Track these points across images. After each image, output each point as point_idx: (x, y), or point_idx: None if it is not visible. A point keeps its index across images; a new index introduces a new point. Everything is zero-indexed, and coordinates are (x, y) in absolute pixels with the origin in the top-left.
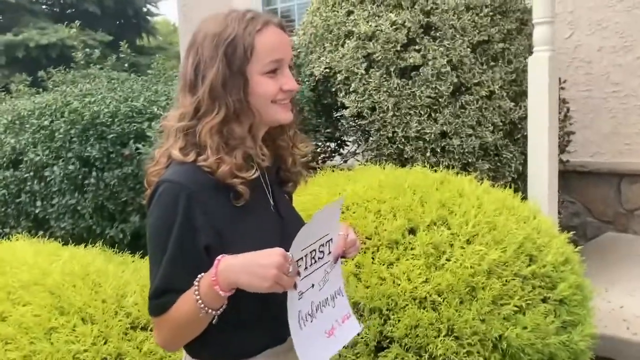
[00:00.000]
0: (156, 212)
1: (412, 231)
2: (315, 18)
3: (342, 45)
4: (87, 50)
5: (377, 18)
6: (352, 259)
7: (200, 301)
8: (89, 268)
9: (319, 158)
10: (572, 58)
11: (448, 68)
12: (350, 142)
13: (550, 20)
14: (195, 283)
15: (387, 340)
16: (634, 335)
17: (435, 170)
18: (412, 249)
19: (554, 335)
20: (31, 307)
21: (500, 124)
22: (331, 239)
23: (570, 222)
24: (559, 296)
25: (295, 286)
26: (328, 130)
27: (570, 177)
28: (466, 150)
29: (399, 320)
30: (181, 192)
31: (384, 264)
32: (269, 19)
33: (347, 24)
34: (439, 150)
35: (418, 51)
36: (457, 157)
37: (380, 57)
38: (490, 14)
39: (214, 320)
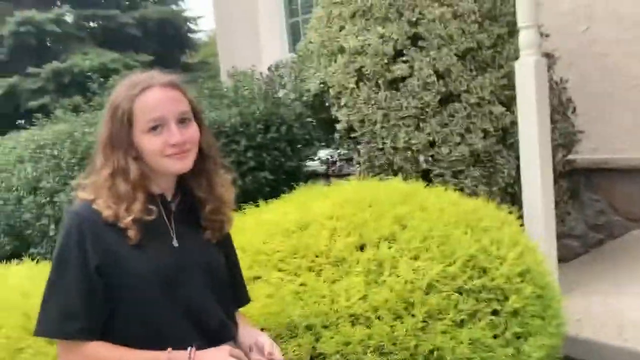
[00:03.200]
0: (59, 238)
1: (363, 248)
2: (314, 34)
3: (335, 61)
4: (96, 76)
5: (366, 32)
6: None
7: None
8: None
9: (335, 168)
10: (589, 52)
11: (434, 78)
12: (343, 156)
13: (532, 24)
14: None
15: (321, 357)
16: (625, 342)
17: (427, 180)
18: (356, 266)
19: (502, 347)
20: (4, 330)
21: (492, 129)
22: None
23: (597, 221)
24: (510, 308)
25: None
26: (323, 144)
27: (593, 175)
28: (454, 158)
29: (332, 338)
30: (76, 219)
31: (326, 282)
32: (151, 83)
33: (339, 40)
34: (429, 159)
35: (405, 62)
36: (445, 165)
37: (369, 70)
38: (479, 20)
39: None
